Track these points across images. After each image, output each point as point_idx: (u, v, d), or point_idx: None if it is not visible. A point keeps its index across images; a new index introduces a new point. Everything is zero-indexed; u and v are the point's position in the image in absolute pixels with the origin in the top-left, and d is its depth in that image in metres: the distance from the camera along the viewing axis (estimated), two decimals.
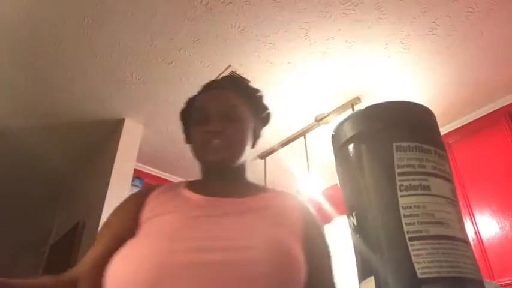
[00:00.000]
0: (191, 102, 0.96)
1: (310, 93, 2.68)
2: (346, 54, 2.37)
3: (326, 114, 2.86)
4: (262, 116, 0.97)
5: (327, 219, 3.04)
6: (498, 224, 2.39)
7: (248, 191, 0.83)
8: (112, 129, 2.92)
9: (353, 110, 2.72)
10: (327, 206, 3.00)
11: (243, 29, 2.19)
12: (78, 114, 2.82)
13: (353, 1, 2.04)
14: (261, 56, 2.37)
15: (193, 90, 0.97)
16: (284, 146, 3.16)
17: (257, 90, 0.97)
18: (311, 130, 3.00)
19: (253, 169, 3.46)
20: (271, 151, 3.24)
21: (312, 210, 0.84)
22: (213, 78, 2.80)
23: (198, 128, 0.85)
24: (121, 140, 2.75)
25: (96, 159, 3.18)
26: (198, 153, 0.85)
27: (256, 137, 0.95)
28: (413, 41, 2.28)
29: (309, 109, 2.83)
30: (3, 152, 3.21)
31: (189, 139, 0.93)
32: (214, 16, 2.10)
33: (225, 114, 0.84)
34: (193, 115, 0.90)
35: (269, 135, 3.09)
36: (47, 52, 2.31)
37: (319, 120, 2.91)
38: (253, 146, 0.94)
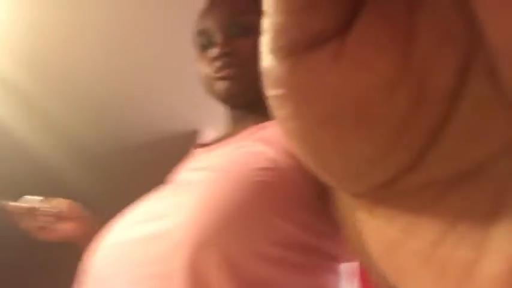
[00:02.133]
0: None
1: None
2: None
3: None
4: None
5: None
6: None
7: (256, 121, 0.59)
8: None
9: None
10: None
11: None
12: None
13: None
14: None
15: None
16: None
17: None
18: None
19: None
20: None
21: None
22: None
23: (202, 57, 0.61)
24: None
25: None
26: (211, 92, 0.61)
27: None
28: None
29: None
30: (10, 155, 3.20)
31: None
32: None
33: (231, 28, 0.59)
34: (196, 43, 0.64)
35: None
36: (49, 52, 2.31)
37: None
38: None
